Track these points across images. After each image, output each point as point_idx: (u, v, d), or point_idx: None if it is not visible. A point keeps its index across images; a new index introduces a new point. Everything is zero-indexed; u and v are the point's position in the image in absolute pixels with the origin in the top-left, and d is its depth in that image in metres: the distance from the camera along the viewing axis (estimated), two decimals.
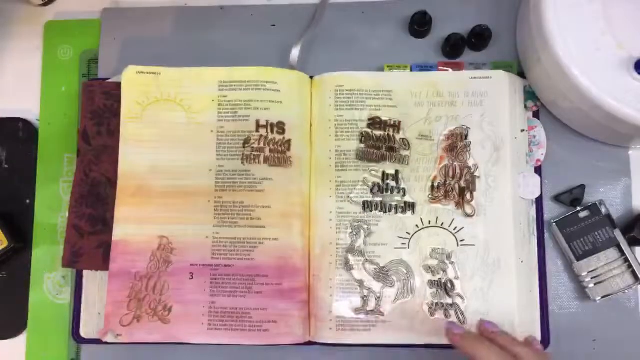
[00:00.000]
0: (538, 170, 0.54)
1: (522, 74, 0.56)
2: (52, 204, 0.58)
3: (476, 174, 0.53)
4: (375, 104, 0.55)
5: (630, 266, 0.51)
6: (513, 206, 0.53)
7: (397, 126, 0.54)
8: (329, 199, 0.54)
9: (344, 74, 0.56)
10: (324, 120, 0.55)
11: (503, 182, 0.53)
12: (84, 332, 0.54)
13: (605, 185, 0.55)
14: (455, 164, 0.53)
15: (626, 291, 0.52)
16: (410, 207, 0.53)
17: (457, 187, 0.53)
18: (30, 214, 0.58)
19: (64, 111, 0.59)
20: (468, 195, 0.53)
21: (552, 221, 0.53)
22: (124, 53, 0.59)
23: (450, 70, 0.56)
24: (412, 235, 0.53)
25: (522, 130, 0.54)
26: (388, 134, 0.54)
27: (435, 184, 0.53)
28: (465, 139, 0.54)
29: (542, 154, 0.54)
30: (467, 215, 0.53)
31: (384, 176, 0.54)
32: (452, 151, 0.54)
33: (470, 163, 0.53)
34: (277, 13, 0.59)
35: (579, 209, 0.53)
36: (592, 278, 0.52)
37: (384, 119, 0.55)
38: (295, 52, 0.56)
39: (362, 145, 0.54)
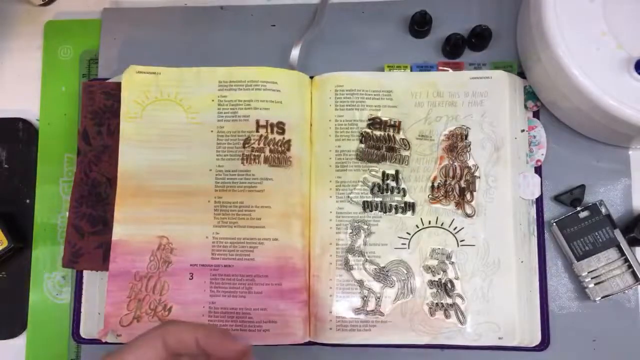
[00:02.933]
0: (538, 170, 0.54)
1: (522, 74, 0.56)
2: (52, 204, 0.58)
3: (476, 174, 0.53)
4: (375, 104, 0.55)
5: (630, 266, 0.51)
6: (513, 206, 0.53)
7: (397, 126, 0.54)
8: (329, 199, 0.54)
9: (344, 74, 0.56)
10: (324, 120, 0.55)
11: (503, 182, 0.53)
12: (84, 332, 0.54)
13: (605, 185, 0.55)
14: (455, 164, 0.53)
15: (626, 291, 0.52)
16: (410, 207, 0.53)
17: (457, 187, 0.53)
18: (30, 214, 0.58)
19: (64, 111, 0.59)
20: (468, 196, 0.53)
21: (552, 221, 0.53)
22: (124, 53, 0.59)
23: (450, 70, 0.56)
24: (412, 236, 0.53)
25: (522, 130, 0.54)
26: (388, 134, 0.54)
27: (435, 184, 0.53)
28: (466, 139, 0.54)
29: (542, 154, 0.54)
30: (467, 216, 0.53)
31: (384, 176, 0.54)
32: (452, 151, 0.54)
33: (470, 163, 0.53)
34: (277, 13, 0.59)
35: (579, 209, 0.53)
36: (592, 278, 0.52)
37: (384, 119, 0.55)
38: (295, 52, 0.56)
39: (362, 145, 0.54)
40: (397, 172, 0.54)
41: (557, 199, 0.54)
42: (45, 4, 0.62)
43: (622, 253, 0.51)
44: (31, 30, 0.61)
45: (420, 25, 0.56)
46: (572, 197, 0.53)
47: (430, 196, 0.53)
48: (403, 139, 0.54)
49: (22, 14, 0.62)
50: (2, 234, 0.55)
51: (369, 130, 0.55)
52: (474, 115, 0.54)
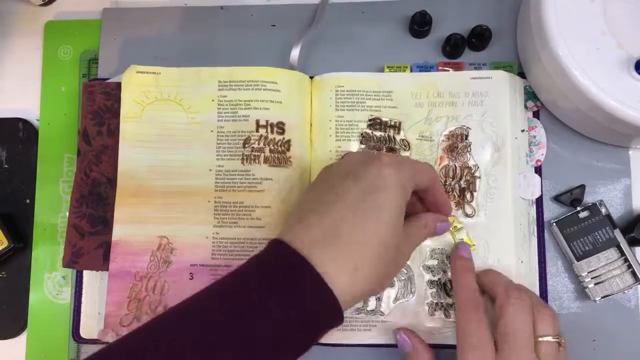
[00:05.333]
0: (538, 170, 0.54)
1: (522, 74, 0.56)
2: (52, 204, 0.58)
3: (476, 174, 0.53)
4: (376, 105, 0.55)
5: (630, 266, 0.51)
6: (513, 206, 0.53)
7: (397, 127, 0.54)
8: None
9: (344, 74, 0.56)
10: (324, 120, 0.55)
11: (503, 182, 0.53)
12: (84, 332, 0.54)
13: (605, 185, 0.55)
14: (455, 164, 0.53)
15: (626, 291, 0.52)
16: None
17: (457, 187, 0.53)
18: (30, 214, 0.58)
19: (64, 111, 0.59)
20: (468, 196, 0.53)
21: (552, 221, 0.53)
22: (124, 53, 0.59)
23: (450, 70, 0.56)
24: None
25: (522, 130, 0.54)
26: (388, 135, 0.54)
27: None
28: (466, 139, 0.54)
29: (542, 154, 0.54)
30: (467, 216, 0.53)
31: None
32: (452, 152, 0.54)
33: (471, 163, 0.53)
34: (277, 13, 0.59)
35: (579, 209, 0.53)
36: (592, 278, 0.52)
37: (384, 119, 0.55)
38: (295, 52, 0.56)
39: (363, 146, 0.54)
40: None
41: (557, 199, 0.54)
42: (45, 4, 0.62)
43: (622, 253, 0.51)
44: (31, 30, 0.61)
45: (420, 25, 0.56)
46: (572, 197, 0.53)
47: None
48: (403, 140, 0.54)
49: (22, 14, 0.62)
50: (2, 234, 0.55)
51: (369, 131, 0.54)
52: (474, 116, 0.54)
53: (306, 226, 0.42)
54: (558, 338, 0.44)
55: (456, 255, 0.50)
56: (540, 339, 0.44)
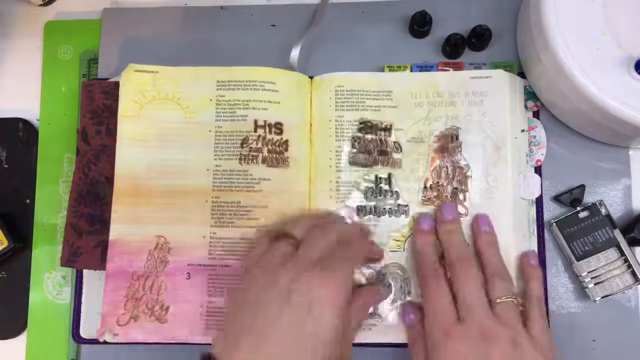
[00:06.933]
0: (538, 170, 0.54)
1: (522, 74, 0.55)
2: (52, 204, 0.58)
3: (468, 174, 0.53)
4: (376, 105, 0.55)
5: (630, 266, 0.51)
6: (513, 206, 0.52)
7: (388, 129, 0.54)
8: (329, 200, 0.54)
9: (343, 74, 0.56)
10: (324, 120, 0.55)
11: (503, 182, 0.53)
12: (84, 332, 0.54)
13: (605, 185, 0.54)
14: (447, 165, 0.53)
15: (626, 291, 0.52)
16: (404, 209, 0.53)
17: (449, 187, 0.53)
18: (30, 214, 0.58)
19: (64, 111, 0.59)
20: (461, 196, 0.53)
21: (552, 221, 0.53)
22: (124, 53, 0.59)
23: (450, 70, 0.56)
24: (407, 238, 0.53)
25: (522, 130, 0.54)
26: (379, 138, 0.54)
27: (427, 186, 0.53)
28: (456, 139, 0.53)
29: (542, 154, 0.54)
30: (460, 215, 0.52)
31: (377, 180, 0.54)
32: (443, 152, 0.53)
33: (462, 163, 0.53)
34: (277, 13, 0.59)
35: (578, 209, 0.52)
36: (592, 278, 0.51)
37: (374, 122, 0.54)
38: (295, 52, 0.56)
39: (354, 150, 0.54)
40: (389, 175, 0.54)
41: (557, 199, 0.54)
42: (45, 4, 0.62)
43: (622, 253, 0.51)
44: (31, 30, 0.61)
45: (420, 25, 0.56)
46: (572, 197, 0.53)
47: (422, 198, 0.53)
48: (395, 142, 0.54)
49: (22, 14, 0.62)
50: (2, 234, 0.56)
51: (359, 135, 0.54)
52: (474, 115, 0.54)
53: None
54: (512, 297, 0.47)
55: (416, 230, 0.52)
56: (497, 301, 0.46)
